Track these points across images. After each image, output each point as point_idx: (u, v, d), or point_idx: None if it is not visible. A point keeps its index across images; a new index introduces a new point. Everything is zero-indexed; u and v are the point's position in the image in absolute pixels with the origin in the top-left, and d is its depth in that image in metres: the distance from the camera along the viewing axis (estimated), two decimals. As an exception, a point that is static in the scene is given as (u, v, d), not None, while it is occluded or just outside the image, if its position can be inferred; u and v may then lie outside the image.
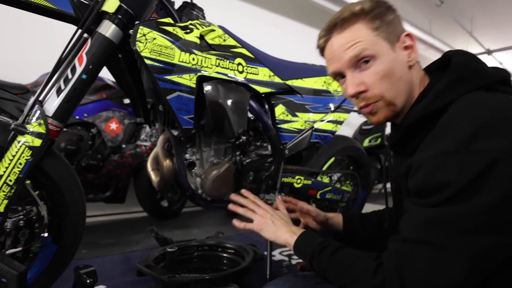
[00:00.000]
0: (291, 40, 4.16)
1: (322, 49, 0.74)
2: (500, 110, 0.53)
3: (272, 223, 0.82)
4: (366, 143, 3.61)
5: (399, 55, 0.67)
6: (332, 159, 1.73)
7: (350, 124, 4.07)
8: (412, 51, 0.68)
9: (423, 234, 0.53)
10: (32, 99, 0.95)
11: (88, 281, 0.91)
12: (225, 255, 1.53)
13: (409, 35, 0.68)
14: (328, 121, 1.52)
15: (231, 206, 0.91)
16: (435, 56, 6.04)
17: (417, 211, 0.56)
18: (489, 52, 7.46)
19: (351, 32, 0.67)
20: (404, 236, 0.57)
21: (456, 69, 0.62)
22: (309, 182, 1.57)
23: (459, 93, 0.59)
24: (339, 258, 0.64)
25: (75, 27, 1.00)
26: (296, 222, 1.09)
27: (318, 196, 1.62)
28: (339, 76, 0.73)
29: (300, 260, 1.68)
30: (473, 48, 7.34)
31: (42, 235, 1.06)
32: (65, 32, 1.15)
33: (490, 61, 7.99)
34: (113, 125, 2.13)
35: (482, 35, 6.58)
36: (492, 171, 0.49)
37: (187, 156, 1.25)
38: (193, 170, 1.26)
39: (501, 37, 6.78)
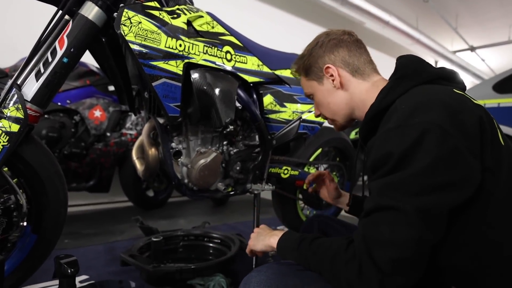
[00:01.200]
0: (280, 30, 4.14)
1: None
2: (433, 94, 0.64)
3: (257, 236, 0.89)
4: (352, 135, 3.65)
5: (325, 86, 0.85)
6: (319, 150, 1.74)
7: (337, 116, 4.09)
8: (334, 77, 0.82)
9: (378, 202, 0.60)
10: (9, 83, 0.90)
11: (69, 271, 0.88)
12: (211, 245, 1.53)
13: (328, 67, 0.83)
14: (316, 112, 1.51)
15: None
16: (421, 51, 6.15)
17: (373, 185, 0.63)
18: (472, 48, 7.62)
19: (300, 80, 0.94)
20: (365, 210, 0.62)
21: (399, 69, 0.74)
22: (296, 172, 1.57)
23: (403, 89, 0.70)
24: (316, 246, 0.69)
25: (55, 8, 0.96)
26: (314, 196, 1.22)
27: (304, 187, 1.62)
28: None
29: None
30: (457, 44, 7.47)
31: (21, 224, 1.02)
32: (45, 13, 1.09)
33: (473, 58, 8.16)
34: (97, 113, 2.08)
35: (467, 32, 6.71)
36: (424, 138, 0.57)
37: (173, 144, 1.22)
38: (179, 159, 1.24)
39: (484, 34, 6.92)
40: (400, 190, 0.58)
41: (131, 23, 0.96)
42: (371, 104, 0.76)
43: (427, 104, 0.61)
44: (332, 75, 0.83)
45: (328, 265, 0.64)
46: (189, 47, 1.09)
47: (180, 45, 1.07)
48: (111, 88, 2.14)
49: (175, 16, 1.08)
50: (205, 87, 1.12)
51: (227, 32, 1.22)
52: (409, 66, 0.74)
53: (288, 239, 0.78)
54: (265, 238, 0.86)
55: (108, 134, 2.15)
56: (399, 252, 0.56)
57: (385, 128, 0.63)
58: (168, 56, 1.04)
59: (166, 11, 1.06)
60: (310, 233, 1.09)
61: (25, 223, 1.04)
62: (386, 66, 0.82)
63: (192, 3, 1.24)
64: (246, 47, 1.27)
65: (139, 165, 1.30)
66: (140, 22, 0.98)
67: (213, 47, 1.15)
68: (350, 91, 0.83)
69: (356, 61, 0.83)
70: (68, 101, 1.99)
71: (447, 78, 0.74)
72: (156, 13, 1.03)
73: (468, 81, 8.35)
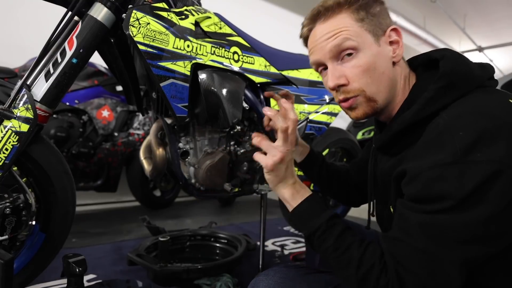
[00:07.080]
0: (288, 31, 4.13)
1: (305, 39, 0.71)
2: (497, 116, 0.52)
3: (284, 170, 0.69)
4: (359, 136, 3.62)
5: (383, 49, 0.65)
6: (326, 151, 1.73)
7: (344, 116, 4.07)
8: (397, 47, 0.66)
9: (418, 241, 0.53)
10: (19, 83, 0.91)
11: (77, 270, 0.89)
12: (217, 245, 1.53)
13: (395, 29, 0.66)
14: (323, 113, 1.51)
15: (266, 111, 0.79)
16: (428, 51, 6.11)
17: (413, 216, 0.54)
18: (480, 49, 7.54)
19: (335, 21, 0.65)
20: (397, 236, 0.56)
21: (445, 75, 0.59)
22: (302, 173, 1.57)
23: (449, 99, 0.57)
24: (345, 246, 0.59)
25: (64, 9, 0.97)
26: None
27: (311, 187, 1.62)
28: (321, 67, 0.70)
29: (293, 250, 1.69)
30: (465, 45, 7.39)
31: (30, 223, 1.03)
32: (54, 14, 1.11)
33: (481, 59, 8.07)
34: (105, 113, 2.09)
35: (474, 33, 6.64)
36: (492, 183, 0.48)
37: (180, 145, 1.23)
38: (186, 159, 1.24)
39: (492, 34, 6.85)
40: (445, 235, 0.51)
41: (139, 24, 0.97)
42: (401, 104, 0.65)
43: (493, 132, 0.50)
44: (396, 43, 0.66)
45: (353, 279, 0.58)
46: (196, 47, 1.09)
47: (188, 46, 1.07)
48: (119, 88, 2.16)
49: (183, 17, 1.08)
50: (212, 88, 1.12)
51: (234, 33, 1.22)
52: (458, 71, 0.60)
53: (312, 214, 0.64)
54: (285, 181, 0.69)
55: (116, 134, 2.16)
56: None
57: (439, 161, 0.51)
58: (176, 56, 1.04)
59: (174, 12, 1.07)
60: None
61: (33, 222, 1.04)
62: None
63: (199, 4, 1.24)
64: (254, 47, 1.27)
65: (146, 165, 1.31)
66: (148, 23, 0.98)
67: (220, 48, 1.15)
68: (398, 72, 0.67)
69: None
70: (76, 101, 2.01)
71: (492, 77, 0.62)
72: (164, 14, 1.03)
73: (477, 81, 8.25)
